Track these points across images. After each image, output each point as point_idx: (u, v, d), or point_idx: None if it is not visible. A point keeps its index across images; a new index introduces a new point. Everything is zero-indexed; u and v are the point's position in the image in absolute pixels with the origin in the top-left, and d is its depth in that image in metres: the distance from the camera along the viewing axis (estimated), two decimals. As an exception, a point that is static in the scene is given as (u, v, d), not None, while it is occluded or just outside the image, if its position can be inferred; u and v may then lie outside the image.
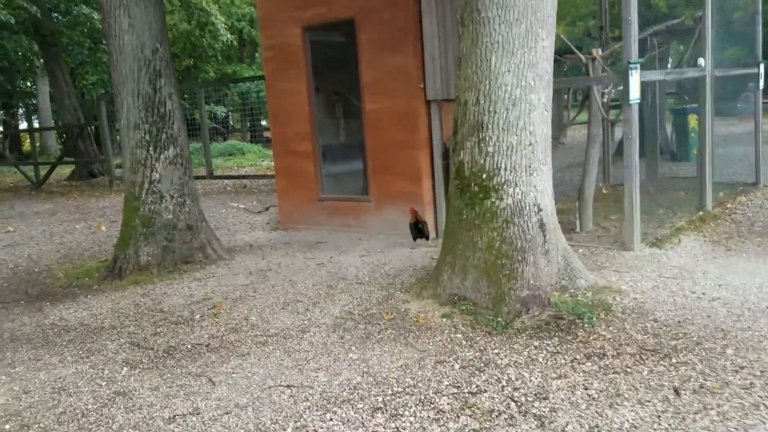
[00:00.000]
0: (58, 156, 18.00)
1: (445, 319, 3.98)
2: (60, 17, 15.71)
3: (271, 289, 5.08)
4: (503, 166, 4.04)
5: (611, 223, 6.43)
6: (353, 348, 3.71)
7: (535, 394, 2.99)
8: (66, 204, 11.67)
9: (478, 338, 3.66)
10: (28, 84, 26.89)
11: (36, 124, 25.24)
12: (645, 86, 6.49)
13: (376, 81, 6.59)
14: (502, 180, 4.04)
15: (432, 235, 6.47)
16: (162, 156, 6.04)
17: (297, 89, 7.21)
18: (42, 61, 17.95)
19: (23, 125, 30.26)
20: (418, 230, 6.29)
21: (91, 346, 4.05)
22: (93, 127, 16.84)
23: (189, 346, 3.94)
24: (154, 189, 6.01)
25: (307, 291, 4.93)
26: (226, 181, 13.32)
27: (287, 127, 7.43)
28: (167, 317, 4.54)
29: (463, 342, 3.63)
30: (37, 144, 25.41)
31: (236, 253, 6.53)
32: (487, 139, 4.07)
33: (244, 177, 12.98)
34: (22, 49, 18.16)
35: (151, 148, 5.99)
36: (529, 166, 4.06)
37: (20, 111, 27.31)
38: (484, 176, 4.09)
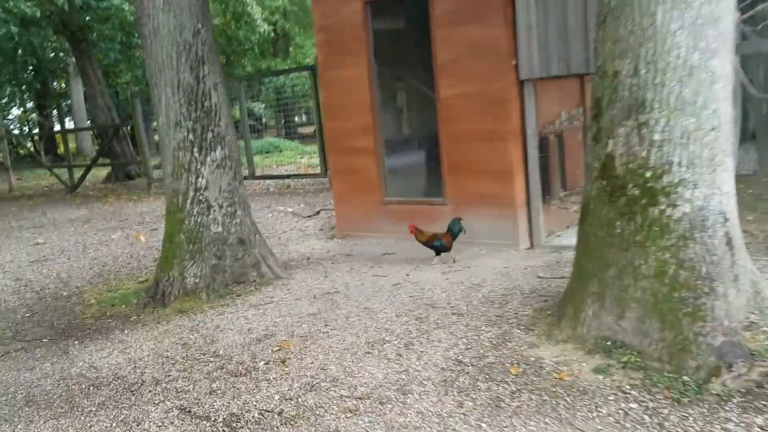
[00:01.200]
0: (93, 158, 17.43)
1: (601, 377, 2.91)
2: (89, 11, 14.99)
3: (345, 321, 4.08)
4: (677, 159, 2.94)
5: (751, 225, 5.24)
6: (483, 425, 2.67)
7: None
8: (102, 210, 10.93)
9: (664, 411, 2.59)
10: (63, 85, 26.59)
11: (71, 126, 24.88)
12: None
13: (454, 61, 5.52)
14: (676, 179, 2.94)
15: (525, 244, 5.40)
16: (208, 159, 5.09)
17: (356, 76, 6.20)
18: (74, 59, 17.35)
19: (58, 127, 30.05)
20: (433, 248, 5.35)
21: (127, 413, 3.10)
22: (129, 127, 16.19)
23: (256, 415, 2.96)
24: (201, 198, 5.07)
25: (391, 325, 3.91)
26: (268, 181, 12.43)
27: (345, 121, 6.42)
28: (224, 365, 3.58)
29: (646, 418, 2.56)
30: (73, 146, 25.10)
31: (293, 269, 5.56)
32: (652, 123, 2.97)
33: (287, 176, 12.06)
34: (52, 46, 17.60)
35: (195, 150, 5.05)
36: (713, 160, 2.95)
37: (54, 113, 27.03)
38: (649, 174, 2.99)
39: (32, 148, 22.07)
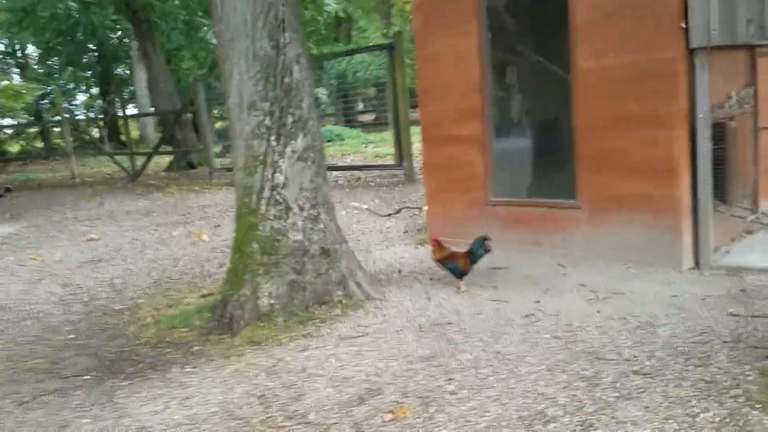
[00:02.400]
0: (155, 145, 16.97)
1: None
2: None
3: (476, 374, 2.99)
4: None
5: None
6: None
7: None
8: (162, 201, 10.22)
9: None
10: (126, 71, 26.51)
11: (134, 113, 24.76)
12: None
13: (598, 22, 4.31)
14: None
15: (689, 263, 4.16)
16: (288, 149, 4.09)
17: (462, 47, 5.07)
18: (136, 42, 16.89)
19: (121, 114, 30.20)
20: (448, 270, 4.35)
21: None
22: (191, 114, 15.62)
23: None
24: (278, 197, 4.08)
25: (547, 388, 2.78)
26: (335, 173, 11.45)
27: (444, 104, 5.31)
28: (319, 440, 2.56)
29: None
30: (136, 133, 24.98)
31: (384, 285, 4.52)
32: None
33: (358, 168, 11.05)
34: (114, 28, 17.19)
35: (272, 138, 4.05)
36: None
37: (118, 99, 27.03)
38: None
39: (96, 135, 22.00)
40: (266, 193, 4.08)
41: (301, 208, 4.14)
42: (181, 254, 6.25)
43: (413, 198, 8.44)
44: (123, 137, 23.02)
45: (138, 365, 3.54)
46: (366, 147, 17.24)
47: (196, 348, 3.71)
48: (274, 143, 4.06)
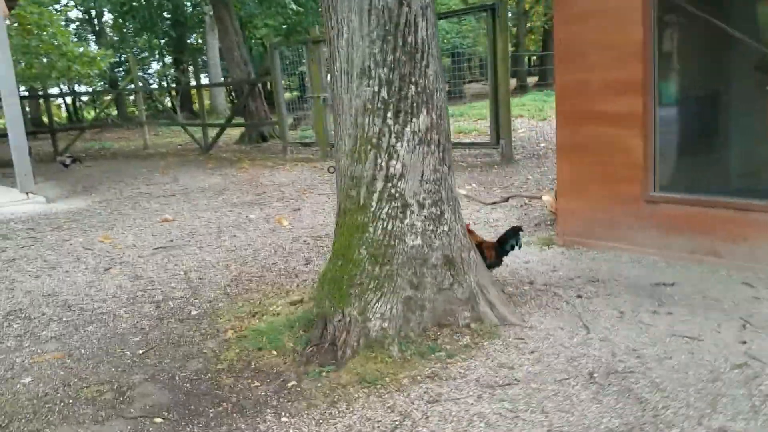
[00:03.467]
0: (228, 117, 16.49)
1: None
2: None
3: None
4: None
5: None
6: None
7: None
8: (236, 178, 9.59)
9: None
10: (199, 40, 26.26)
11: (206, 82, 24.49)
12: None
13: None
14: None
15: None
16: (408, 129, 3.17)
17: (621, 3, 3.97)
18: (210, 8, 16.33)
19: (194, 83, 30.15)
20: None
21: None
22: (263, 85, 14.99)
23: None
24: (394, 191, 3.18)
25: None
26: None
27: (590, 73, 4.24)
28: None
29: None
30: (208, 102, 24.76)
31: (520, 305, 3.58)
32: None
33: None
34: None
35: (389, 114, 3.14)
36: None
37: (191, 68, 26.89)
38: None
39: (169, 104, 21.84)
40: (378, 185, 3.20)
41: (421, 205, 3.24)
42: (261, 243, 5.50)
43: (515, 183, 7.41)
44: (195, 107, 22.81)
45: (221, 405, 2.76)
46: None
47: (291, 384, 2.90)
48: (390, 121, 3.15)
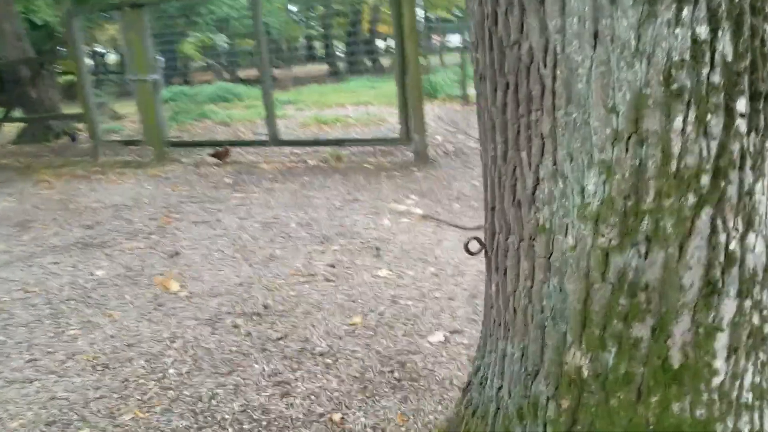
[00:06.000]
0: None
1: None
2: None
3: None
4: None
5: None
6: None
7: None
8: (39, 197, 6.44)
9: None
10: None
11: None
12: None
13: None
14: None
15: None
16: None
17: None
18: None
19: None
20: None
21: None
22: (52, 64, 11.35)
23: None
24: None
25: None
26: (294, 149, 8.28)
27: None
28: None
29: None
30: None
31: None
32: None
33: (338, 142, 7.90)
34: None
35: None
36: None
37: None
38: None
39: None
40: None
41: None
42: (148, 338, 3.01)
43: (464, 191, 5.72)
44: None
45: None
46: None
47: None
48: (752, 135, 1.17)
